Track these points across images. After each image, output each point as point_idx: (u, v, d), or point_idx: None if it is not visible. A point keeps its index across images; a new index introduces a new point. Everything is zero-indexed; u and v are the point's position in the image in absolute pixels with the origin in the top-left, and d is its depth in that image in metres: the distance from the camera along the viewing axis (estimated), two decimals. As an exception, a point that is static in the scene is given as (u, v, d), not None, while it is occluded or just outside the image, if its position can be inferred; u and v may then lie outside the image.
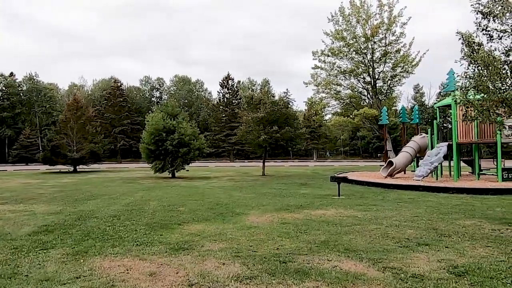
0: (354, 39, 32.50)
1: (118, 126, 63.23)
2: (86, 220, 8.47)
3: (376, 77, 33.05)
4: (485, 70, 7.28)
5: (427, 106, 65.92)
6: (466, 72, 8.35)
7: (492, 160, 20.41)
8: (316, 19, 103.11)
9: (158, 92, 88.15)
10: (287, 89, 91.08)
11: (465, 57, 8.30)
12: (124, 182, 19.70)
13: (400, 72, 32.53)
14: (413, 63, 31.34)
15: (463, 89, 8.31)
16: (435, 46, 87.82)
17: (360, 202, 11.12)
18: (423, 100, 70.51)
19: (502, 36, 8.22)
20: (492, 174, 17.28)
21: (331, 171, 28.13)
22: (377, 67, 32.85)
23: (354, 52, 32.98)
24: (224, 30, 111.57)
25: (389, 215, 8.80)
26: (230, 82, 65.95)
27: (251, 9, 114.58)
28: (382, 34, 31.88)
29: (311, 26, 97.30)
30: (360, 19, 32.07)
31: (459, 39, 8.42)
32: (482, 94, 7.84)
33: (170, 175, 23.00)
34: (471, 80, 7.99)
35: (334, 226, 7.61)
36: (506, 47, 8.18)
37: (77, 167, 33.79)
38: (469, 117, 7.68)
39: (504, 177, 15.66)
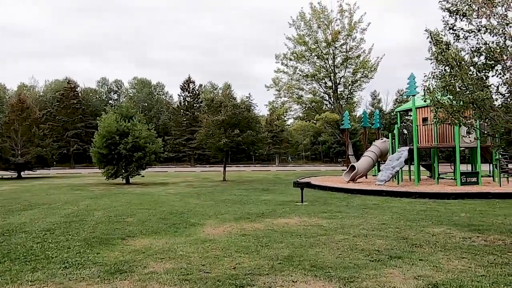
0: (316, 44, 32.55)
1: (72, 129, 59.76)
2: (11, 236, 7.21)
3: (338, 82, 33.24)
4: (455, 70, 6.92)
5: (385, 112, 67.95)
6: (434, 72, 8.01)
7: (450, 164, 20.83)
8: (280, 23, 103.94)
9: (116, 95, 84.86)
10: (249, 94, 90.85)
11: (432, 57, 7.96)
12: (71, 189, 18.05)
13: (361, 77, 32.94)
14: (371, 68, 31.83)
15: (430, 90, 7.94)
16: (390, 55, 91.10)
17: (324, 209, 10.55)
18: (380, 106, 72.72)
19: (468, 36, 7.95)
20: (451, 178, 17.49)
21: (293, 176, 27.74)
22: (338, 72, 33.06)
23: (316, 57, 33.02)
24: (185, 32, 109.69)
25: (355, 223, 8.25)
26: (191, 85, 64.45)
27: (213, 11, 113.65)
28: (343, 40, 32.16)
29: (274, 30, 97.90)
30: (321, 24, 32.16)
31: (427, 37, 8.05)
32: (449, 96, 7.49)
33: (124, 181, 21.52)
34: (439, 80, 7.63)
35: (298, 237, 6.91)
36: (472, 47, 7.91)
37: (22, 172, 31.14)
38: (438, 119, 7.30)
39: (463, 181, 15.81)
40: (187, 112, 62.00)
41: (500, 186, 15.74)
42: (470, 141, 16.09)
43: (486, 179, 17.37)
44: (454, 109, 6.99)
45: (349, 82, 33.15)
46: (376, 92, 74.48)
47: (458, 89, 6.97)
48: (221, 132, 22.18)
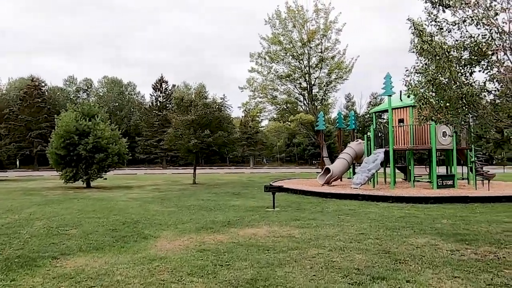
0: (291, 44, 31.93)
1: (35, 129, 56.61)
2: None
3: (312, 83, 32.74)
4: (442, 61, 6.17)
5: (359, 115, 68.36)
6: (417, 65, 7.25)
7: (425, 166, 20.49)
8: (256, 24, 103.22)
9: (85, 94, 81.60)
10: (224, 95, 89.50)
11: (415, 49, 7.20)
12: (23, 194, 16.41)
13: (335, 78, 32.56)
14: (346, 69, 31.50)
15: (412, 85, 7.17)
16: (365, 58, 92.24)
17: (297, 216, 9.65)
18: (354, 108, 73.20)
19: (451, 29, 7.23)
20: (428, 181, 17.04)
21: (267, 179, 26.85)
22: (313, 73, 32.57)
23: (291, 57, 32.40)
24: (160, 33, 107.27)
25: (331, 233, 7.37)
26: (163, 85, 62.62)
27: (188, 12, 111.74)
28: (318, 40, 31.69)
29: (251, 31, 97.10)
30: (296, 23, 31.60)
31: (410, 27, 7.30)
32: (433, 93, 6.75)
33: (85, 185, 19.96)
34: (422, 75, 6.88)
35: (266, 252, 5.95)
36: (456, 40, 7.20)
37: (-25, 175, 28.80)
38: (423, 117, 6.55)
39: (439, 184, 15.36)
40: (159, 113, 60.08)
41: (476, 189, 15.39)
42: (447, 143, 15.68)
43: (461, 182, 17.03)
44: (441, 105, 6.22)
45: (324, 83, 32.72)
46: (350, 95, 75.01)
47: (444, 83, 6.22)
48: (191, 132, 21.02)
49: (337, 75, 32.47)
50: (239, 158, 73.61)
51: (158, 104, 62.44)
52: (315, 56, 32.16)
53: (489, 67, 7.03)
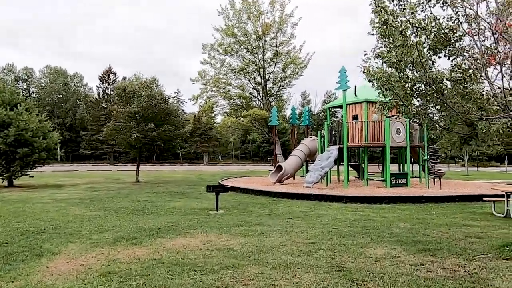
0: (245, 37, 30.73)
1: (-37, 121, 50.98)
2: None
3: (267, 77, 31.78)
4: (409, 40, 5.21)
5: (313, 113, 68.76)
6: (378, 48, 6.27)
7: (378, 165, 20.16)
8: (212, 19, 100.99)
9: (25, 84, 75.25)
10: (177, 89, 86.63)
11: (376, 31, 6.22)
12: None
13: (290, 74, 31.83)
14: (302, 65, 30.87)
15: (370, 71, 6.18)
16: (322, 59, 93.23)
17: (242, 220, 8.43)
18: (309, 106, 73.64)
19: (415, 11, 6.32)
20: (381, 180, 16.55)
21: (218, 176, 25.50)
22: (268, 67, 31.60)
23: (245, 50, 31.20)
24: (111, 24, 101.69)
25: (277, 243, 6.21)
26: (111, 76, 58.99)
27: (142, 4, 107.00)
28: (274, 33, 30.76)
29: (206, 26, 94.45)
30: (251, 15, 30.42)
31: (370, 4, 6.30)
32: (398, 77, 5.79)
33: (6, 183, 17.45)
34: (384, 59, 5.90)
35: (192, 273, 4.65)
36: (417, 21, 6.28)
37: None
38: (385, 106, 5.59)
39: (392, 182, 14.86)
40: (107, 106, 56.51)
41: (428, 187, 15.08)
42: (400, 140, 15.23)
43: (413, 180, 16.73)
44: (407, 92, 5.26)
45: (279, 78, 31.87)
46: (306, 93, 75.39)
47: (411, 66, 5.26)
48: (133, 125, 19.15)
49: (292, 71, 31.75)
50: (193, 155, 71.45)
51: (106, 96, 58.73)
52: (270, 50, 31.22)
53: (454, 54, 6.20)
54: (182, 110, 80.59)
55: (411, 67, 5.33)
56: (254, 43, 30.92)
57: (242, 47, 30.84)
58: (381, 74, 5.39)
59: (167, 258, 5.33)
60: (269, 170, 19.26)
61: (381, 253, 5.62)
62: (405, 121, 15.53)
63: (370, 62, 6.48)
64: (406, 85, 5.27)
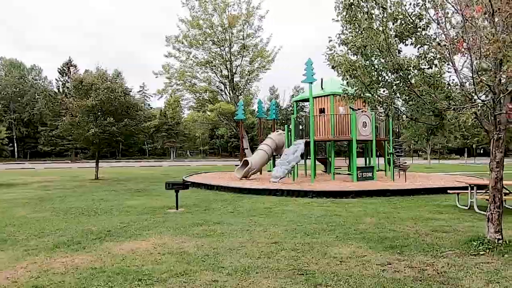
0: (211, 29, 29.91)
1: None
2: None
3: (234, 71, 31.15)
4: (376, 24, 4.85)
5: (282, 108, 68.80)
6: (343, 34, 5.88)
7: (344, 158, 20.14)
8: (179, 10, 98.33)
9: (-23, 77, 70.51)
10: (143, 83, 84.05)
11: (341, 16, 5.81)
12: None
13: (258, 67, 31.37)
14: (269, 59, 30.47)
15: (335, 59, 5.78)
16: (289, 54, 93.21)
17: (202, 219, 7.89)
18: (277, 101, 73.60)
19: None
20: (348, 174, 16.45)
21: (184, 172, 24.70)
22: (235, 60, 30.97)
23: (211, 42, 30.38)
24: (74, 15, 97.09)
25: (236, 244, 5.73)
26: (72, 69, 56.13)
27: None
28: (241, 26, 30.13)
29: (173, 19, 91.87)
30: (217, 7, 29.62)
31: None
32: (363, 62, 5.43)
33: None
34: (349, 45, 5.52)
35: (136, 284, 4.07)
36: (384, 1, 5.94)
37: None
38: (349, 95, 5.21)
39: (359, 176, 14.77)
40: (62, 99, 53.85)
41: (394, 180, 15.12)
42: (367, 133, 15.15)
43: (379, 174, 16.73)
44: (372, 79, 4.89)
45: (246, 72, 31.32)
46: (274, 88, 75.32)
47: (378, 51, 4.90)
48: (90, 120, 18.06)
49: (259, 64, 31.29)
50: (160, 150, 69.76)
51: (65, 90, 55.87)
52: (237, 43, 30.57)
53: (421, 42, 5.90)
54: (149, 105, 78.63)
55: (377, 53, 4.96)
56: (220, 36, 30.16)
57: (208, 39, 30.00)
58: (344, 59, 5.00)
59: (110, 266, 4.72)
60: (236, 165, 18.74)
61: (347, 252, 5.26)
62: (371, 114, 15.47)
63: (335, 50, 6.10)
64: (372, 73, 4.90)
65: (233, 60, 30.73)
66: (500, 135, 5.15)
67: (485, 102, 4.77)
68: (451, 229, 6.69)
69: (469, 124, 4.43)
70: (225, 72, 31.17)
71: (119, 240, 6.11)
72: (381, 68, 4.83)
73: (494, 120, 5.08)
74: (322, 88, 16.13)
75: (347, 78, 4.95)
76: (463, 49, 4.98)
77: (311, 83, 15.13)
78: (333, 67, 5.24)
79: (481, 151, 62.48)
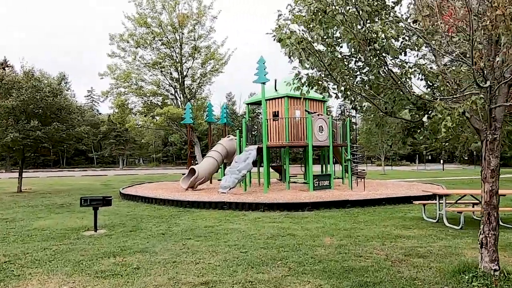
0: (160, 28, 27.91)
1: None
2: None
3: (185, 73, 29.28)
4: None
5: (238, 114, 67.52)
6: (294, 9, 4.48)
7: (300, 166, 19.01)
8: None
9: None
10: (91, 87, 79.32)
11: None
12: None
13: (210, 70, 29.73)
14: (222, 61, 28.98)
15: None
16: (245, 58, 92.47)
17: (120, 246, 6.13)
18: (234, 108, 72.32)
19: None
20: (304, 182, 15.22)
21: (129, 182, 22.46)
22: (186, 62, 29.13)
23: (160, 43, 28.35)
24: (15, 12, 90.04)
25: (151, 288, 4.09)
26: (7, 70, 51.22)
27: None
28: (192, 26, 28.40)
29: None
30: (166, 4, 27.72)
31: None
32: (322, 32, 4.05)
33: None
34: (303, 11, 4.12)
35: None
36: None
37: None
38: (306, 80, 3.82)
39: (315, 185, 13.58)
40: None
41: (352, 189, 14.09)
42: (323, 139, 14.02)
43: (336, 182, 15.70)
44: (334, 55, 3.51)
45: (198, 75, 29.59)
46: (231, 94, 74.01)
47: (342, 17, 3.52)
48: (9, 123, 15.50)
49: (212, 67, 29.66)
50: (108, 158, 65.63)
51: (0, 93, 50.89)
52: (188, 44, 28.78)
53: (393, 21, 4.63)
54: (97, 110, 74.08)
55: (341, 18, 3.57)
56: (170, 36, 28.24)
57: (156, 39, 27.96)
58: (298, 28, 3.62)
59: None
60: (183, 174, 16.92)
61: (302, 297, 3.81)
62: (328, 118, 14.41)
63: (285, 30, 4.68)
64: (336, 47, 3.55)
65: (184, 62, 28.88)
66: (495, 135, 3.97)
67: (482, 91, 3.55)
68: (427, 252, 5.49)
69: (469, 116, 3.20)
70: (175, 75, 29.23)
71: (-20, 287, 4.25)
72: (346, 40, 3.49)
73: (489, 115, 3.88)
74: (276, 90, 14.86)
75: (300, 55, 3.55)
76: (451, 21, 3.74)
77: (263, 83, 13.81)
78: (279, 40, 3.80)
79: (429, 158, 64.84)
